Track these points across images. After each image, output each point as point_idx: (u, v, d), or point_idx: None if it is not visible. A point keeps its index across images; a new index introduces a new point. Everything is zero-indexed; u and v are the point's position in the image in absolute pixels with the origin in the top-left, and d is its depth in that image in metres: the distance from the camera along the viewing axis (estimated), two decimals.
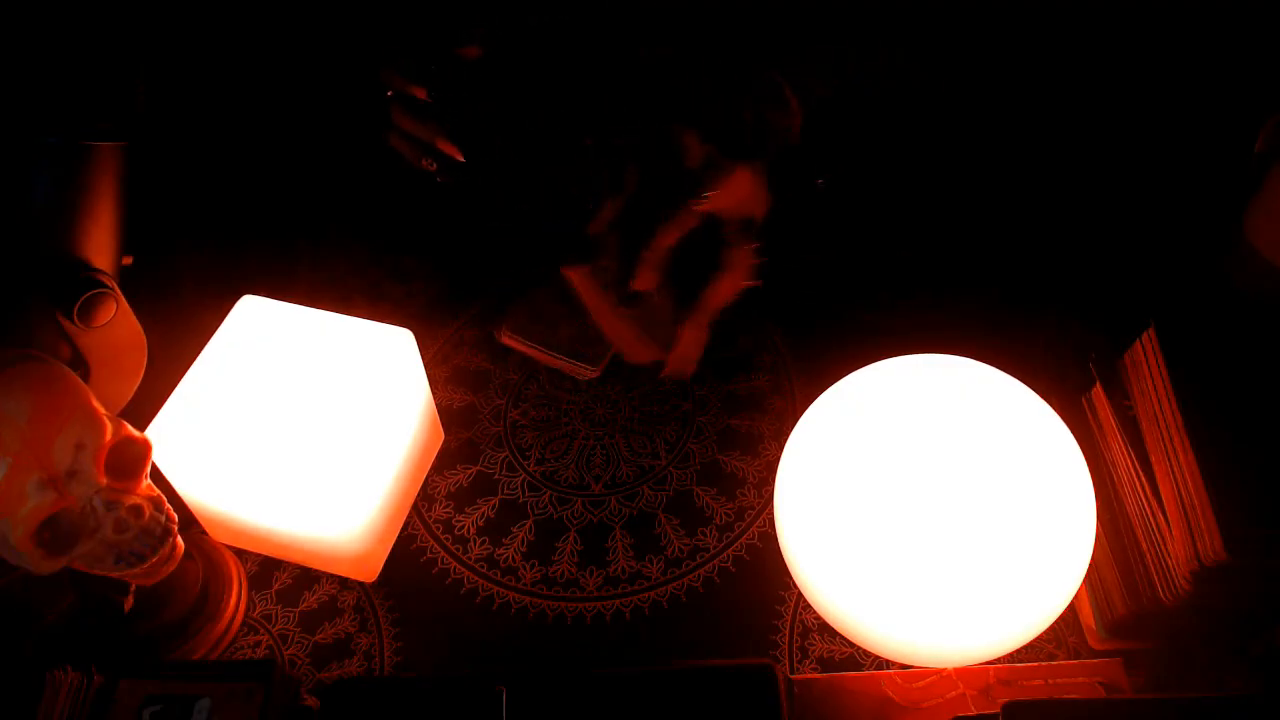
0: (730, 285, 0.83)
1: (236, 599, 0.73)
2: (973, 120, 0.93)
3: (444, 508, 0.79)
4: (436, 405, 0.79)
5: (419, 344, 0.73)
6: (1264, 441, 0.60)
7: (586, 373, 0.86)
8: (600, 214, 0.84)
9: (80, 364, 0.66)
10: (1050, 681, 0.65)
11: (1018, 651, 0.63)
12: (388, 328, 0.73)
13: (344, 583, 0.75)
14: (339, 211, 1.00)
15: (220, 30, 0.87)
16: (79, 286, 0.63)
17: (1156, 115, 0.89)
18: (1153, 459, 0.64)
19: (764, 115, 0.85)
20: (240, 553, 0.76)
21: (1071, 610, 0.70)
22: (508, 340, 0.89)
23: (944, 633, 0.61)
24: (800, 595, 0.72)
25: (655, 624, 0.73)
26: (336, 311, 0.74)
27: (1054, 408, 0.66)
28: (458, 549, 0.77)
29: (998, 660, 0.64)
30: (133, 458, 0.60)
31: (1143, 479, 0.64)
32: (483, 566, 0.76)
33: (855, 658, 0.71)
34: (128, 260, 0.69)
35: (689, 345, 0.84)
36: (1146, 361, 0.65)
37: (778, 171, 0.85)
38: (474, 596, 0.74)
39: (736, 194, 0.82)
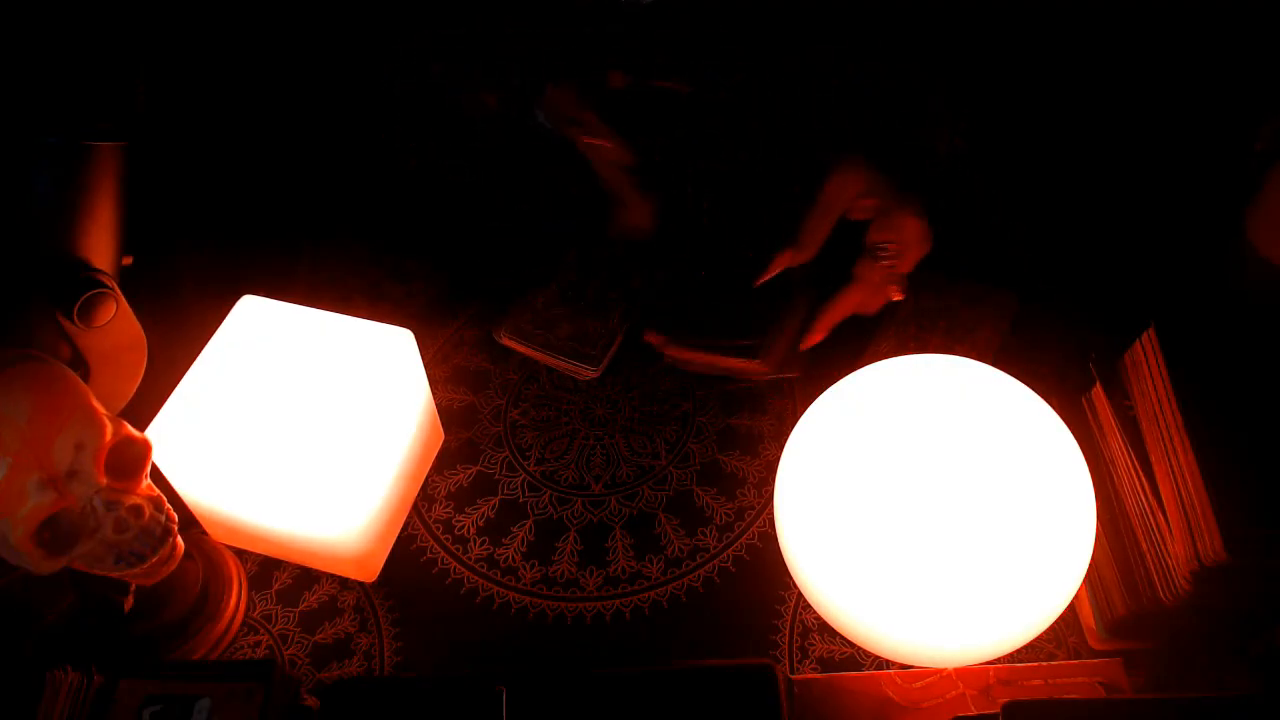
0: (862, 299, 0.82)
1: (236, 599, 0.73)
2: (972, 120, 0.93)
3: (444, 508, 0.79)
4: (436, 405, 0.79)
5: (419, 344, 0.73)
6: (1264, 441, 0.60)
7: (586, 373, 0.86)
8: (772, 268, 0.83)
9: (80, 364, 0.65)
10: (1050, 681, 0.66)
11: (1018, 651, 0.63)
12: (388, 328, 0.73)
13: (344, 583, 0.75)
14: (339, 211, 1.00)
15: (220, 30, 0.87)
16: (79, 286, 0.63)
17: (1157, 116, 0.89)
18: (1153, 459, 0.64)
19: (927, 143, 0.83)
20: (240, 553, 0.76)
21: (1071, 610, 0.70)
22: (507, 341, 0.89)
23: (944, 633, 0.61)
24: (800, 595, 0.72)
25: (655, 624, 0.73)
26: (336, 311, 0.74)
27: (1054, 408, 0.66)
28: (458, 549, 0.77)
29: (998, 660, 0.64)
30: (133, 458, 0.60)
31: (1143, 479, 0.64)
32: (483, 566, 0.76)
33: (855, 658, 0.71)
34: (128, 260, 0.69)
35: (800, 347, 0.83)
36: (1146, 361, 0.65)
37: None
38: (474, 596, 0.74)
39: (911, 240, 0.80)
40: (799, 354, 0.84)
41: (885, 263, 0.80)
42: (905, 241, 0.79)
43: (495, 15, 0.95)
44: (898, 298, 0.82)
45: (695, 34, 0.92)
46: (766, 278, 0.83)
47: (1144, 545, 0.64)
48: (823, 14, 0.88)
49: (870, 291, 0.81)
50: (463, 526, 0.78)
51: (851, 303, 0.81)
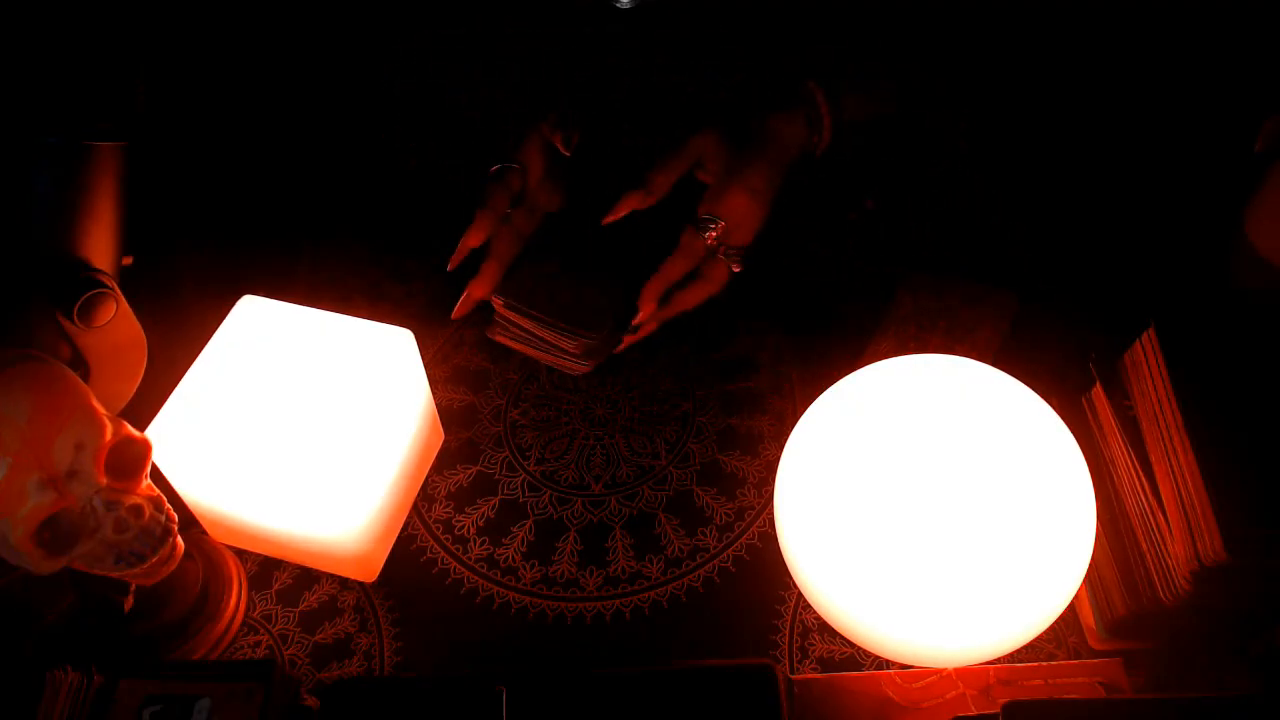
0: (702, 293, 0.84)
1: (236, 599, 0.73)
2: (973, 121, 0.93)
3: (444, 508, 0.79)
4: (436, 405, 0.79)
5: (419, 344, 0.73)
6: (1264, 441, 0.60)
7: (579, 368, 0.86)
8: (618, 208, 0.85)
9: (80, 364, 0.66)
10: (1050, 681, 0.66)
11: (1018, 651, 0.63)
12: (388, 328, 0.73)
13: (344, 583, 0.75)
14: (339, 211, 1.00)
15: (220, 30, 0.87)
16: (79, 286, 0.63)
17: (1157, 115, 0.89)
18: (1153, 459, 0.64)
19: (768, 122, 0.85)
20: (240, 553, 0.76)
21: (1071, 610, 0.70)
22: (499, 338, 0.88)
23: (944, 633, 0.61)
24: (800, 595, 0.72)
25: (655, 624, 0.73)
26: (336, 311, 0.74)
27: (1054, 408, 0.66)
28: (458, 549, 0.77)
29: (998, 660, 0.64)
30: (133, 458, 0.60)
31: (1143, 479, 0.64)
32: (483, 566, 0.76)
33: (855, 658, 0.71)
34: (128, 260, 0.69)
35: (640, 335, 0.85)
36: (1146, 361, 0.65)
37: (798, 194, 0.86)
38: (474, 596, 0.74)
39: (735, 219, 0.83)
40: (609, 344, 0.86)
41: (706, 235, 0.83)
42: (728, 216, 0.82)
43: (495, 15, 0.95)
44: (713, 290, 0.84)
45: (695, 34, 0.92)
46: (613, 218, 0.85)
47: (1144, 545, 0.64)
48: (823, 14, 0.88)
49: (690, 262, 0.83)
50: (463, 526, 0.78)
51: (675, 270, 0.83)
